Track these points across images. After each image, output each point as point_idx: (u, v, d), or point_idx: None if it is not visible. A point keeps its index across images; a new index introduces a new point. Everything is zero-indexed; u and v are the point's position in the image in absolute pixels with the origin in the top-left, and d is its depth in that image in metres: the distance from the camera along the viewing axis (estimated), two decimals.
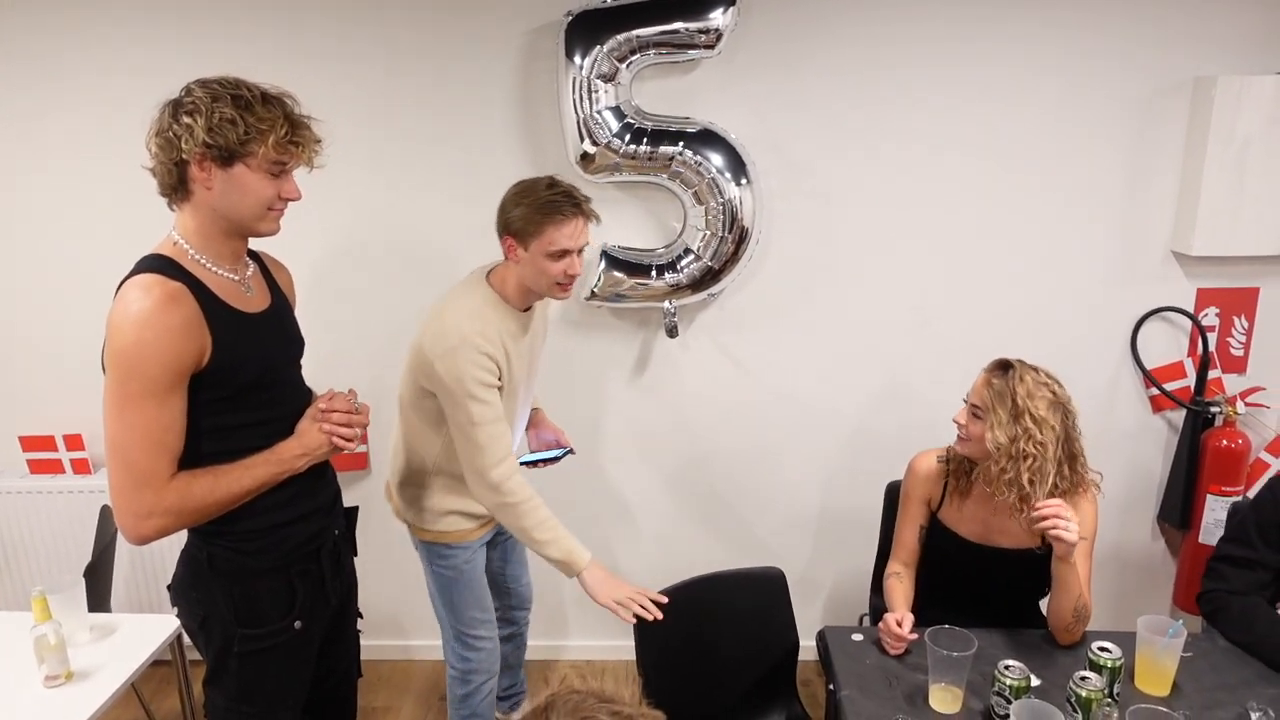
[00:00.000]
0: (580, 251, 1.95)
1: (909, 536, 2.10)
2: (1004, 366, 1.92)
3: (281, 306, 1.69)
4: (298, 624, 1.65)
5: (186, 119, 1.42)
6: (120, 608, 2.70)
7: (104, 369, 1.44)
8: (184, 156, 1.43)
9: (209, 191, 1.47)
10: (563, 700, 0.93)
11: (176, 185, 1.48)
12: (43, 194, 2.68)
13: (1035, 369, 1.91)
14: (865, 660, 1.86)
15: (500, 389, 1.96)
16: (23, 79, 2.58)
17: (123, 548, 2.71)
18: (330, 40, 2.55)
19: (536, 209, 1.88)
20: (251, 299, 1.59)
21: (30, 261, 2.74)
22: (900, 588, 2.04)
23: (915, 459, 2.12)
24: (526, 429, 2.25)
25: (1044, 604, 2.08)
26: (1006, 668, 1.65)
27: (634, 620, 1.88)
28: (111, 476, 1.45)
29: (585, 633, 3.09)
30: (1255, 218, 2.56)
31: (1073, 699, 1.61)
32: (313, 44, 2.55)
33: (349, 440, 1.63)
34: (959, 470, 2.04)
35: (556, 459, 2.24)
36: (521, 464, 2.12)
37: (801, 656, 2.12)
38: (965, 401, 1.97)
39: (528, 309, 2.05)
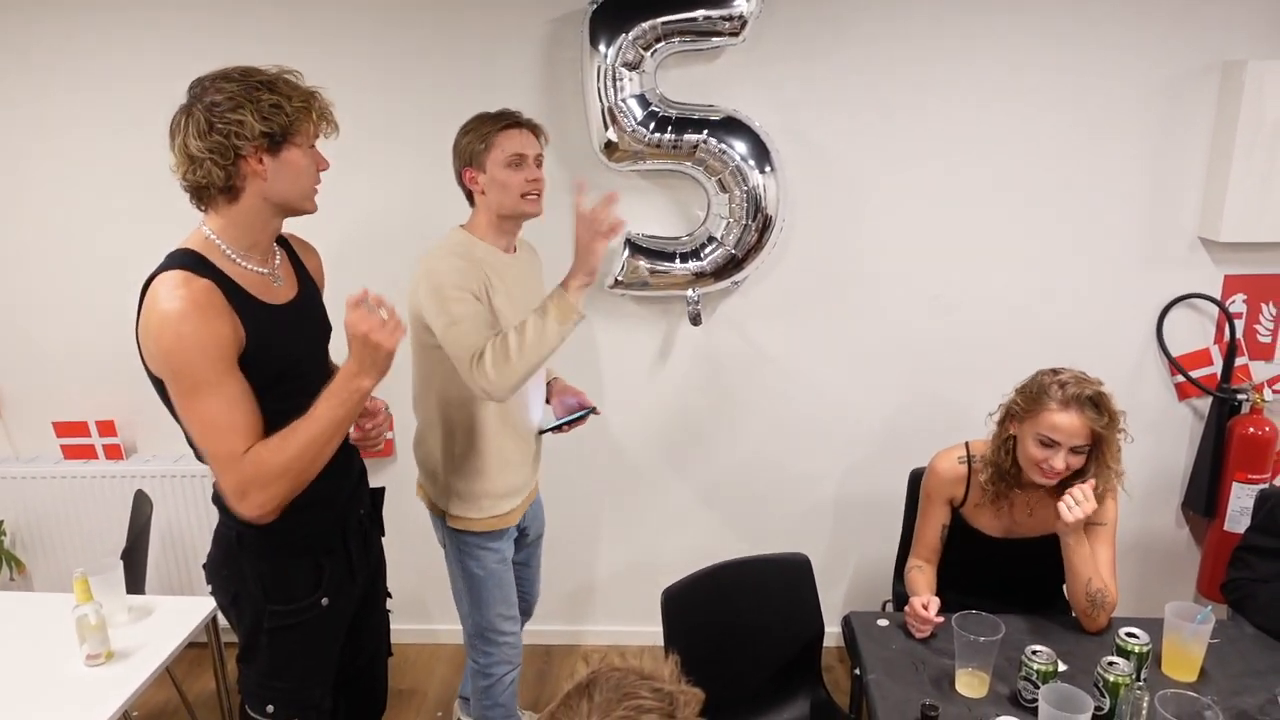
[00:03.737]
0: (538, 163, 2.02)
1: (930, 535, 2.09)
2: (1091, 401, 1.82)
3: (309, 293, 1.70)
4: (325, 600, 1.68)
5: (232, 115, 1.41)
6: (152, 590, 2.74)
7: (148, 374, 1.46)
8: (240, 152, 1.43)
9: (263, 182, 1.48)
10: (604, 677, 0.95)
11: (224, 187, 1.46)
12: (73, 186, 2.71)
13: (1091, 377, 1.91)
14: (891, 645, 1.88)
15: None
16: (51, 76, 2.62)
17: (154, 531, 2.75)
18: (352, 29, 2.56)
19: (483, 125, 1.99)
20: (279, 290, 1.60)
21: (62, 251, 2.78)
22: (923, 578, 2.06)
23: (936, 459, 2.09)
24: (548, 399, 2.26)
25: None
26: (1034, 652, 1.66)
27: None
28: (210, 468, 1.50)
29: (610, 618, 3.11)
30: None
31: (1100, 684, 1.62)
32: (334, 33, 2.56)
33: (383, 331, 1.48)
34: (995, 479, 1.98)
35: (581, 419, 2.20)
36: (548, 431, 2.13)
37: (824, 642, 2.14)
38: (1045, 442, 1.85)
39: (513, 252, 2.09)
